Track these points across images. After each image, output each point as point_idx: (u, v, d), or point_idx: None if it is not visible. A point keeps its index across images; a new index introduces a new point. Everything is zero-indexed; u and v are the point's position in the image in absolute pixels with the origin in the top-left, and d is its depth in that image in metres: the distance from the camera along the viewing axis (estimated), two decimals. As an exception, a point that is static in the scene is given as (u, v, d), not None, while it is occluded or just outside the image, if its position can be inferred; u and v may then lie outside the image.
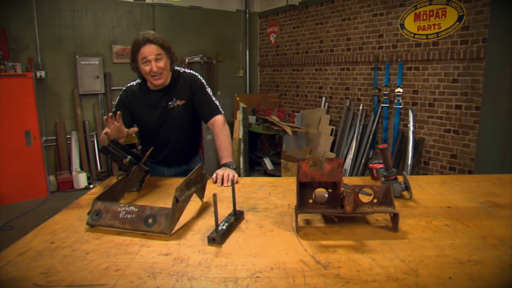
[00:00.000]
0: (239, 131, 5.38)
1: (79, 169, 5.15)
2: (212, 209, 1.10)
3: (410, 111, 4.24)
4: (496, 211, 1.30)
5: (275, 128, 5.16)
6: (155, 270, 0.93)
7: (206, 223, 1.23)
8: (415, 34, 4.20)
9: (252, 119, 5.61)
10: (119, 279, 0.89)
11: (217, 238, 1.07)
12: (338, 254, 1.00)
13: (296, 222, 1.16)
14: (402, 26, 4.32)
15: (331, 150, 5.21)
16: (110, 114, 1.57)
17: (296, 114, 5.23)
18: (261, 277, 0.89)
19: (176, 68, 1.95)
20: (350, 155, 4.89)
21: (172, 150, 1.99)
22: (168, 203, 1.29)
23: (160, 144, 1.95)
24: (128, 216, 1.17)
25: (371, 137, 4.75)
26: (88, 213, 1.22)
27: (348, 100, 5.11)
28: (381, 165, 1.56)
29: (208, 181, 1.57)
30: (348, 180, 1.73)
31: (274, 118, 5.35)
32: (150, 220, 1.15)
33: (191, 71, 1.99)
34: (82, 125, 5.33)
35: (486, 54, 3.57)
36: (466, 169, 3.87)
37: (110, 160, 4.46)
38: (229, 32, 6.62)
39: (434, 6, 3.99)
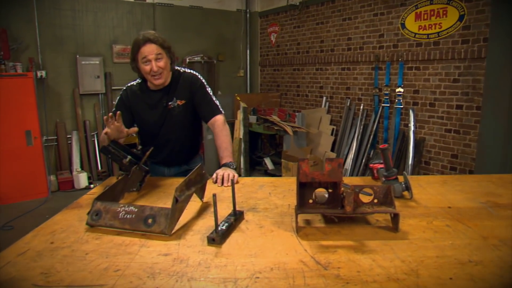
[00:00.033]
0: (240, 131, 5.38)
1: (79, 169, 5.16)
2: (212, 209, 1.10)
3: (411, 111, 4.23)
4: (497, 211, 1.29)
5: (275, 128, 5.15)
6: (154, 270, 0.93)
7: (206, 223, 1.23)
8: (416, 33, 4.19)
9: (252, 119, 5.61)
10: (118, 280, 0.89)
11: (217, 238, 1.07)
12: (338, 254, 1.00)
13: (296, 222, 1.15)
14: (403, 25, 4.31)
15: (332, 150, 5.21)
16: (110, 114, 1.57)
17: (296, 114, 5.22)
18: (260, 278, 0.89)
19: (176, 68, 1.95)
20: (351, 155, 4.88)
21: (172, 150, 1.99)
22: (168, 203, 1.29)
23: (160, 144, 1.95)
24: (128, 216, 1.17)
25: (371, 137, 4.74)
26: (88, 213, 1.22)
27: (349, 100, 5.11)
28: (382, 165, 1.55)
29: (208, 181, 1.57)
30: (348, 180, 1.73)
31: (275, 118, 5.34)
32: (149, 220, 1.15)
33: (191, 71, 1.99)
34: (83, 125, 5.33)
35: (487, 54, 3.57)
36: (467, 169, 3.86)
37: (110, 160, 4.47)
38: (230, 32, 6.61)
39: (435, 6, 3.98)
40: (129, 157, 1.53)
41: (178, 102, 1.91)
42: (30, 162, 4.55)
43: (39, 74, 4.81)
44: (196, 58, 6.18)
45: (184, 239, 1.12)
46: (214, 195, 1.07)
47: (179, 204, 1.18)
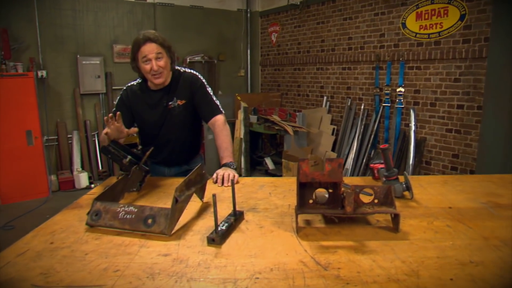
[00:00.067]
0: (240, 131, 5.38)
1: (80, 169, 5.16)
2: (212, 209, 1.10)
3: (411, 111, 4.22)
4: (498, 212, 1.29)
5: (276, 127, 5.15)
6: (154, 271, 0.93)
7: (206, 224, 1.23)
8: (416, 33, 4.18)
9: (253, 118, 5.61)
10: (118, 280, 0.89)
11: (217, 238, 1.07)
12: (338, 255, 1.00)
13: (296, 222, 1.15)
14: (404, 25, 4.30)
15: (333, 149, 5.21)
16: (111, 114, 1.57)
17: (297, 113, 5.22)
18: (260, 278, 0.89)
19: (176, 67, 1.95)
20: (352, 155, 4.88)
21: (173, 150, 1.99)
22: (168, 203, 1.29)
23: (161, 144, 1.95)
24: (128, 216, 1.17)
25: (372, 136, 4.74)
26: (88, 214, 1.22)
27: (350, 100, 5.10)
28: (382, 165, 1.55)
29: (208, 181, 1.57)
30: (349, 180, 1.72)
31: (275, 118, 5.34)
32: (149, 221, 1.15)
33: (192, 71, 1.99)
34: (84, 124, 5.33)
35: (488, 53, 3.56)
36: (468, 169, 3.86)
37: (111, 160, 4.48)
38: (230, 32, 6.61)
39: (436, 5, 3.97)
40: (129, 157, 1.53)
41: (179, 102, 1.91)
42: (31, 162, 4.55)
43: (39, 74, 4.81)
44: (196, 58, 6.18)
45: (184, 239, 1.12)
46: (214, 196, 1.07)
47: (179, 204, 1.18)
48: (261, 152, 6.23)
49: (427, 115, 4.18)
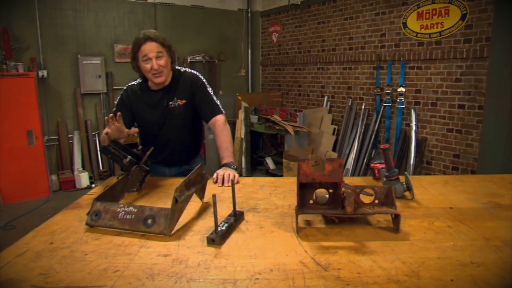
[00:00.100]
0: (241, 131, 5.38)
1: (81, 169, 5.16)
2: (212, 209, 1.09)
3: (412, 111, 4.21)
4: (499, 212, 1.28)
5: (277, 127, 5.15)
6: (153, 271, 0.93)
7: (206, 224, 1.22)
8: (417, 33, 4.17)
9: (254, 118, 5.61)
10: (117, 280, 0.89)
11: (217, 239, 1.07)
12: (339, 255, 0.99)
13: (297, 223, 1.15)
14: (405, 25, 4.29)
15: (333, 149, 5.20)
16: (111, 114, 1.57)
17: (298, 113, 5.22)
18: (260, 279, 0.89)
19: (177, 67, 1.95)
20: (352, 155, 4.87)
21: (173, 150, 1.99)
22: (168, 204, 1.28)
23: (161, 144, 1.95)
24: (128, 216, 1.17)
25: (373, 136, 4.73)
26: (88, 214, 1.22)
27: (350, 100, 5.09)
28: (383, 165, 1.54)
29: (209, 181, 1.57)
30: (349, 180, 1.72)
31: (276, 118, 5.34)
32: (149, 221, 1.14)
33: (192, 71, 1.98)
34: (84, 124, 5.34)
35: (489, 53, 3.55)
36: (469, 169, 3.85)
37: (111, 160, 4.48)
38: (231, 31, 6.61)
39: (437, 5, 3.97)
40: (129, 157, 1.53)
41: (179, 102, 1.91)
42: (32, 161, 4.56)
43: (40, 73, 4.81)
44: (197, 58, 6.18)
45: (183, 239, 1.12)
46: (214, 196, 1.07)
47: (179, 205, 1.17)
48: (262, 152, 6.23)
49: (428, 115, 4.18)
